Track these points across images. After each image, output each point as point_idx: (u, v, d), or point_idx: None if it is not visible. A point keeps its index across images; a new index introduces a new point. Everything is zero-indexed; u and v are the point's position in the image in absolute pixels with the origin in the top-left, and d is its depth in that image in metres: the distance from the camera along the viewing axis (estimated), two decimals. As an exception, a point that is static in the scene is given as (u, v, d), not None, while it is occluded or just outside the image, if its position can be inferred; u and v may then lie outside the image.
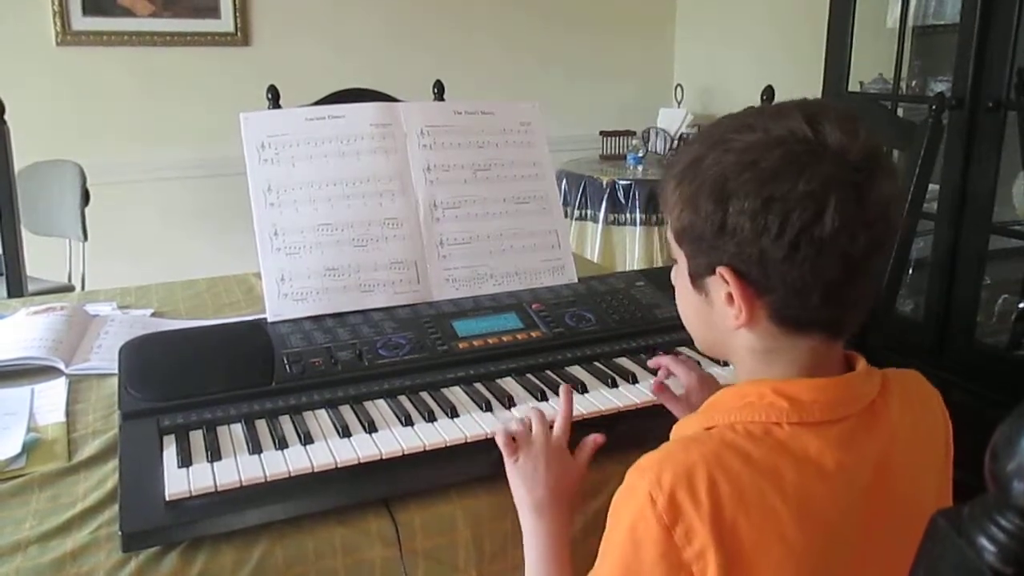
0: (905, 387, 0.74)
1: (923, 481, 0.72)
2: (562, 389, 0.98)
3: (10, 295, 1.89)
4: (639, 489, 0.64)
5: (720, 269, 0.68)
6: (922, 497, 0.71)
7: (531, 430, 0.92)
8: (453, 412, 0.99)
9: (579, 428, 0.96)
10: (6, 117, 1.91)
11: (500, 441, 0.92)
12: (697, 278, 0.73)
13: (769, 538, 0.62)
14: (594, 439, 0.93)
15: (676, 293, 0.79)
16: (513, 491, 0.88)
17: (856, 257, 0.63)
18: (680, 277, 0.76)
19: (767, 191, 0.63)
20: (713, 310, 0.72)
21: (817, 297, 0.65)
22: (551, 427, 0.93)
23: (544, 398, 1.04)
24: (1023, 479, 0.36)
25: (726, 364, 1.11)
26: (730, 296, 0.68)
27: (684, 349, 1.17)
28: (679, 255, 0.74)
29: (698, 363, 1.09)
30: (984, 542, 0.38)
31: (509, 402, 1.02)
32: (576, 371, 1.12)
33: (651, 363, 1.08)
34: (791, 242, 0.63)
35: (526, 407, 1.00)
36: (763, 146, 0.64)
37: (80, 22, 2.87)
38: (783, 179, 0.63)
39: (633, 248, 3.08)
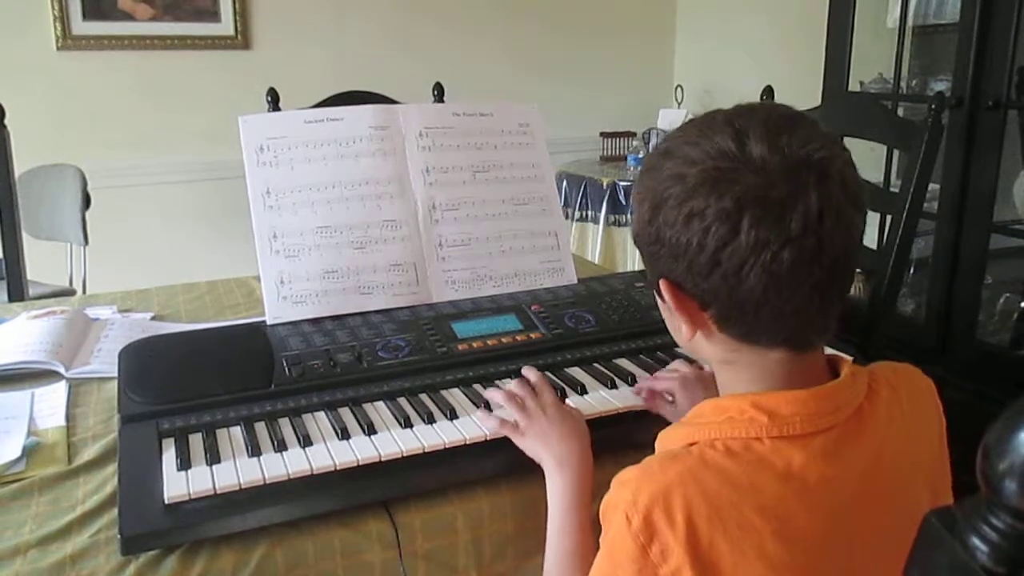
0: (894, 385, 0.74)
1: (915, 481, 0.72)
2: (524, 370, 1.04)
3: (11, 299, 1.89)
4: (618, 507, 0.64)
5: (660, 281, 0.69)
6: (914, 497, 0.70)
7: (521, 403, 0.95)
8: (452, 414, 0.99)
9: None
10: (7, 121, 1.92)
11: (498, 427, 0.94)
12: (655, 287, 0.73)
13: (748, 556, 0.62)
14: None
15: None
16: (534, 458, 0.91)
17: (783, 273, 0.62)
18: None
19: (687, 207, 0.64)
20: (674, 318, 0.72)
21: (751, 312, 0.65)
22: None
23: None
24: (1015, 478, 0.36)
25: None
26: None
27: (682, 350, 1.16)
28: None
29: (691, 361, 1.08)
30: (976, 542, 0.38)
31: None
32: (575, 372, 1.12)
33: (633, 390, 1.06)
34: (711, 258, 0.63)
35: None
36: (691, 161, 0.65)
37: (80, 27, 2.87)
38: (700, 195, 0.63)
39: (634, 249, 3.07)
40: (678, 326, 0.72)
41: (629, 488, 0.64)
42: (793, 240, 0.62)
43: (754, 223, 0.61)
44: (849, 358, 0.79)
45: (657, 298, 0.76)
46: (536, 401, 0.95)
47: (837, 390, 0.69)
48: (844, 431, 0.68)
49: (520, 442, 0.92)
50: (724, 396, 0.73)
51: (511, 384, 1.00)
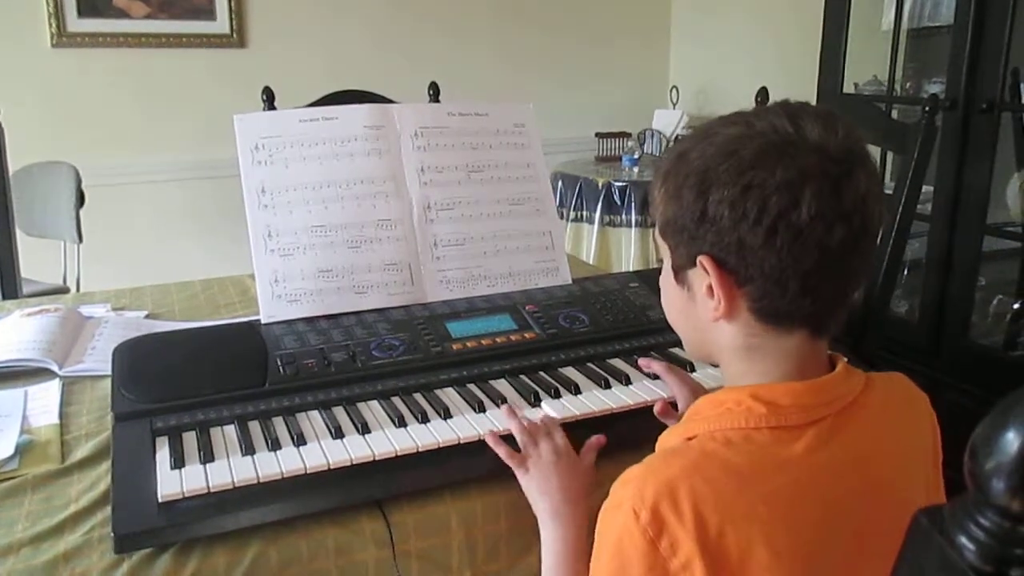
0: (889, 389, 0.75)
1: (910, 480, 0.72)
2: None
3: (4, 297, 1.89)
4: (624, 504, 0.64)
5: (700, 258, 0.69)
6: (910, 496, 0.71)
7: (534, 440, 0.93)
8: (446, 413, 0.99)
9: (573, 429, 0.96)
10: (1, 119, 1.91)
11: (505, 455, 0.92)
12: (680, 271, 0.74)
13: (755, 544, 0.62)
14: (597, 440, 0.95)
15: (662, 294, 0.80)
16: (529, 499, 0.89)
17: (832, 248, 0.64)
18: (665, 275, 0.77)
19: (746, 179, 0.65)
20: (695, 304, 0.73)
21: (795, 288, 0.66)
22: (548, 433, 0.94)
23: (537, 400, 1.03)
24: (1001, 477, 0.37)
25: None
26: (711, 288, 0.69)
27: (677, 351, 1.17)
28: (664, 251, 0.76)
29: (688, 368, 1.09)
30: (964, 541, 0.38)
31: (502, 403, 1.02)
32: (569, 372, 1.12)
33: (641, 362, 1.07)
34: (768, 228, 0.64)
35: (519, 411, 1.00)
36: (744, 138, 0.66)
37: (75, 24, 2.87)
38: (761, 167, 0.64)
39: (629, 249, 3.08)
40: (700, 311, 0.72)
41: (634, 485, 0.65)
42: (845, 216, 0.64)
43: (815, 195, 0.63)
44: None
45: (672, 287, 0.76)
46: (549, 444, 0.92)
47: (832, 383, 0.70)
48: (836, 422, 0.69)
49: (522, 479, 0.90)
50: (719, 391, 0.73)
51: (526, 419, 0.97)
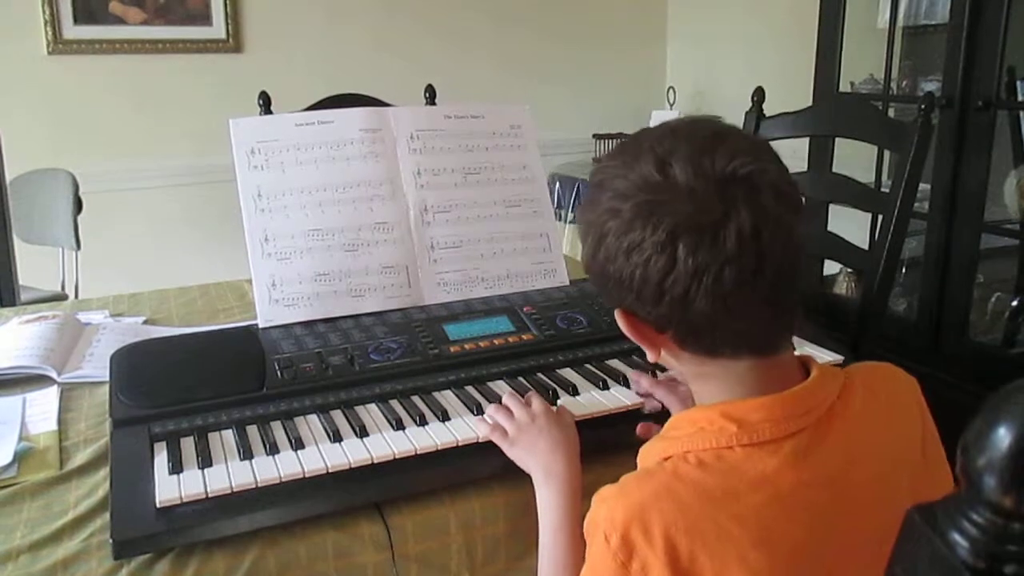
0: (871, 385, 0.73)
1: (896, 479, 0.71)
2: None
3: (2, 304, 1.88)
4: (599, 525, 0.65)
5: (616, 312, 0.71)
6: (895, 496, 0.70)
7: (510, 411, 0.96)
8: (444, 416, 0.99)
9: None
10: (-2, 126, 1.91)
11: (488, 433, 0.94)
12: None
13: (730, 565, 0.62)
14: (562, 406, 1.00)
15: None
16: (523, 467, 0.91)
17: (728, 290, 0.63)
18: None
19: (626, 240, 0.65)
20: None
21: (707, 329, 0.66)
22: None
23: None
24: (993, 474, 0.37)
25: None
26: None
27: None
28: None
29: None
30: (957, 537, 0.38)
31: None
32: (567, 373, 1.12)
33: (636, 390, 1.07)
34: (656, 288, 0.64)
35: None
36: (621, 194, 0.66)
37: (71, 31, 2.87)
38: (636, 228, 0.64)
39: (627, 250, 3.08)
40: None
41: (607, 506, 0.65)
42: (731, 260, 0.62)
43: (690, 250, 0.62)
44: (821, 358, 0.79)
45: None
46: (525, 411, 0.95)
47: (806, 392, 0.69)
48: (815, 433, 0.68)
49: (509, 452, 0.92)
50: (694, 408, 0.73)
51: (504, 397, 1.00)
